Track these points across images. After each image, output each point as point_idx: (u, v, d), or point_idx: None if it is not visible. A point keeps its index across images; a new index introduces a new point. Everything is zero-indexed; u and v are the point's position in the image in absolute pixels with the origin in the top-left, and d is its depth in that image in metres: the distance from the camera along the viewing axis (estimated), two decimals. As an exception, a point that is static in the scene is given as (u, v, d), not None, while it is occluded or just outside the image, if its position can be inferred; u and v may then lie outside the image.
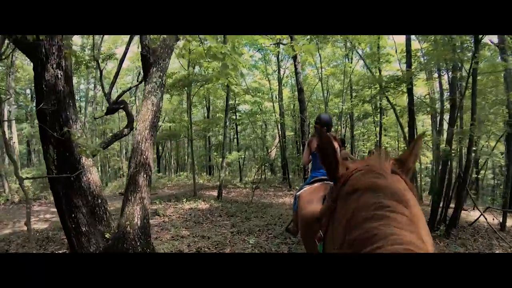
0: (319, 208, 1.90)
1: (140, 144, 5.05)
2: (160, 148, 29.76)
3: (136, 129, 5.32)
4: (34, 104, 6.42)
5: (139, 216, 4.79)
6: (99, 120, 24.91)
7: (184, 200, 11.85)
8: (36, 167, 23.35)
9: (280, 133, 19.56)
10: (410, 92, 7.69)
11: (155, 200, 11.84)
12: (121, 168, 27.18)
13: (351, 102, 16.12)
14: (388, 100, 8.45)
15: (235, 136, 19.49)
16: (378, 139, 16.78)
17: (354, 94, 18.62)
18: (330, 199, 1.05)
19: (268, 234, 7.33)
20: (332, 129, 4.34)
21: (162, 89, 5.61)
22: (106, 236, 4.98)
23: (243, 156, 27.82)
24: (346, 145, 11.10)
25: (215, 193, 13.75)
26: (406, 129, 8.85)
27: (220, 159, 16.08)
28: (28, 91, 27.61)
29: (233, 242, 6.67)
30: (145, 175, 4.96)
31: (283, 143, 19.58)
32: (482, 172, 16.25)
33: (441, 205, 7.60)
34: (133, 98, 25.04)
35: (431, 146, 8.63)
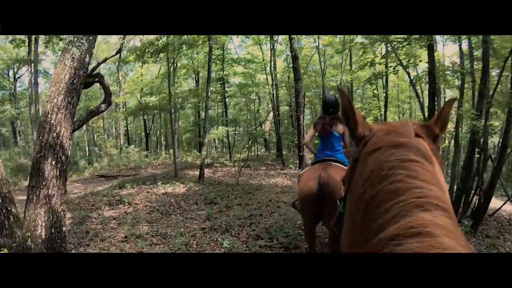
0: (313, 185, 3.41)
1: (49, 116, 3.41)
2: (149, 124, 28.11)
3: (47, 95, 3.67)
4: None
5: (43, 224, 3.22)
6: (82, 97, 23.12)
7: (160, 183, 10.29)
8: (22, 149, 22.15)
9: (274, 105, 17.83)
10: (431, 49, 5.95)
11: (127, 184, 10.31)
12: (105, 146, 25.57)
13: (351, 71, 14.24)
14: (401, 63, 6.74)
15: (224, 110, 17.68)
16: (383, 112, 15.07)
17: (354, 66, 16.84)
18: (352, 160, 1.02)
19: (250, 231, 5.83)
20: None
21: (92, 38, 3.92)
22: (3, 250, 3.40)
23: (235, 132, 26.29)
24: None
25: (208, 172, 12.31)
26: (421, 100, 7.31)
27: (210, 135, 14.49)
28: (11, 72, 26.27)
29: (200, 245, 5.15)
30: (54, 162, 3.36)
31: (277, 117, 17.91)
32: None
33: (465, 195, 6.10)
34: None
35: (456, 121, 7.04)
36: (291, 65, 13.53)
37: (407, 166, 0.76)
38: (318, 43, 17.04)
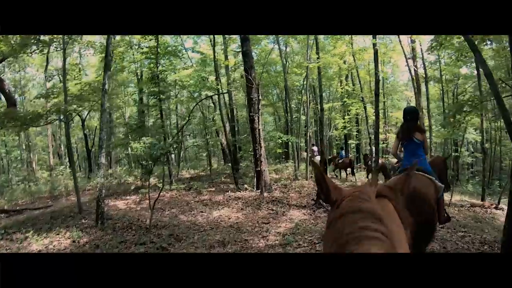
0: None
1: None
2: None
3: None
4: None
5: None
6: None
7: (31, 234, 6.42)
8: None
9: (222, 108, 14.31)
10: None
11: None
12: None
13: (317, 60, 10.94)
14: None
15: (160, 115, 13.88)
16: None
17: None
18: (326, 224, 1.13)
19: None
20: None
21: None
22: None
23: (194, 144, 22.52)
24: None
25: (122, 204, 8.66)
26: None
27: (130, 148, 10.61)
28: None
29: None
30: None
31: (229, 122, 14.42)
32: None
33: None
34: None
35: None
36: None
37: (357, 235, 0.85)
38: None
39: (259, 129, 9.16)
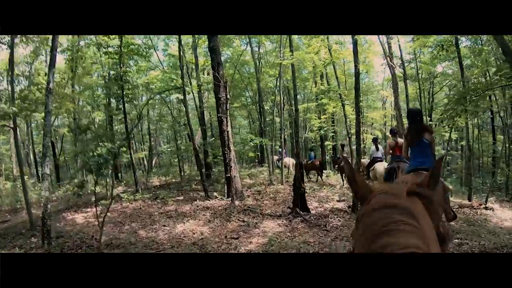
0: None
1: None
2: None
3: None
4: None
5: None
6: None
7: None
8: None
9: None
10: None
11: None
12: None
13: (291, 56, 10.22)
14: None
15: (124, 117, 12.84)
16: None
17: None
18: (356, 220, 1.14)
19: None
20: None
21: None
22: None
23: (169, 149, 21.33)
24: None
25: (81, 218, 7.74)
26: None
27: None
28: None
29: None
30: None
31: (200, 122, 13.64)
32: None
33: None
34: None
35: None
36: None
37: (391, 229, 0.86)
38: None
39: (227, 131, 8.33)
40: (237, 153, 18.88)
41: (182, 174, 16.85)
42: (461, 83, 9.79)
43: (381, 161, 8.18)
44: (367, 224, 0.93)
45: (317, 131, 17.80)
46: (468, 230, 6.04)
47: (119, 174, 19.48)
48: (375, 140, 8.69)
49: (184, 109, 19.85)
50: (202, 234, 6.44)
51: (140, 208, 9.34)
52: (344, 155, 12.27)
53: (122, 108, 12.35)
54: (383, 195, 1.00)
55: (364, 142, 17.75)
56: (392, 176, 5.88)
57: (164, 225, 7.24)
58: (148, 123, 24.35)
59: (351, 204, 8.14)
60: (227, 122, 8.36)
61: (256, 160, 19.54)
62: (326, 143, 19.68)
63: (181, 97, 14.12)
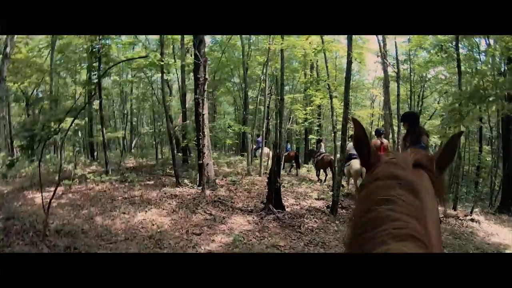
0: None
1: None
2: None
3: None
4: None
5: None
6: None
7: None
8: None
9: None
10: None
11: None
12: None
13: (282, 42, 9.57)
14: None
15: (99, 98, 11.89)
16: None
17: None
18: (360, 186, 1.15)
19: None
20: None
21: None
22: None
23: (153, 130, 20.49)
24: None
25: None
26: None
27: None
28: None
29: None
30: None
31: (181, 104, 13.01)
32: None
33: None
34: None
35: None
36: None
37: (392, 200, 0.83)
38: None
39: (203, 115, 7.67)
40: (218, 139, 18.31)
41: (159, 157, 16.17)
42: (458, 86, 9.36)
43: (357, 158, 7.72)
44: (366, 194, 0.92)
45: (302, 123, 17.35)
46: (455, 244, 5.68)
47: (95, 153, 18.61)
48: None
49: (168, 90, 19.22)
50: (161, 227, 5.83)
51: (105, 191, 8.66)
52: (322, 150, 12.04)
53: (97, 82, 11.46)
54: (388, 165, 0.98)
55: (349, 139, 17.36)
56: None
57: (124, 213, 6.58)
58: (131, 102, 23.40)
59: (330, 204, 7.63)
60: (203, 104, 7.70)
61: (233, 148, 19.08)
62: (310, 136, 19.24)
63: (165, 77, 13.39)
